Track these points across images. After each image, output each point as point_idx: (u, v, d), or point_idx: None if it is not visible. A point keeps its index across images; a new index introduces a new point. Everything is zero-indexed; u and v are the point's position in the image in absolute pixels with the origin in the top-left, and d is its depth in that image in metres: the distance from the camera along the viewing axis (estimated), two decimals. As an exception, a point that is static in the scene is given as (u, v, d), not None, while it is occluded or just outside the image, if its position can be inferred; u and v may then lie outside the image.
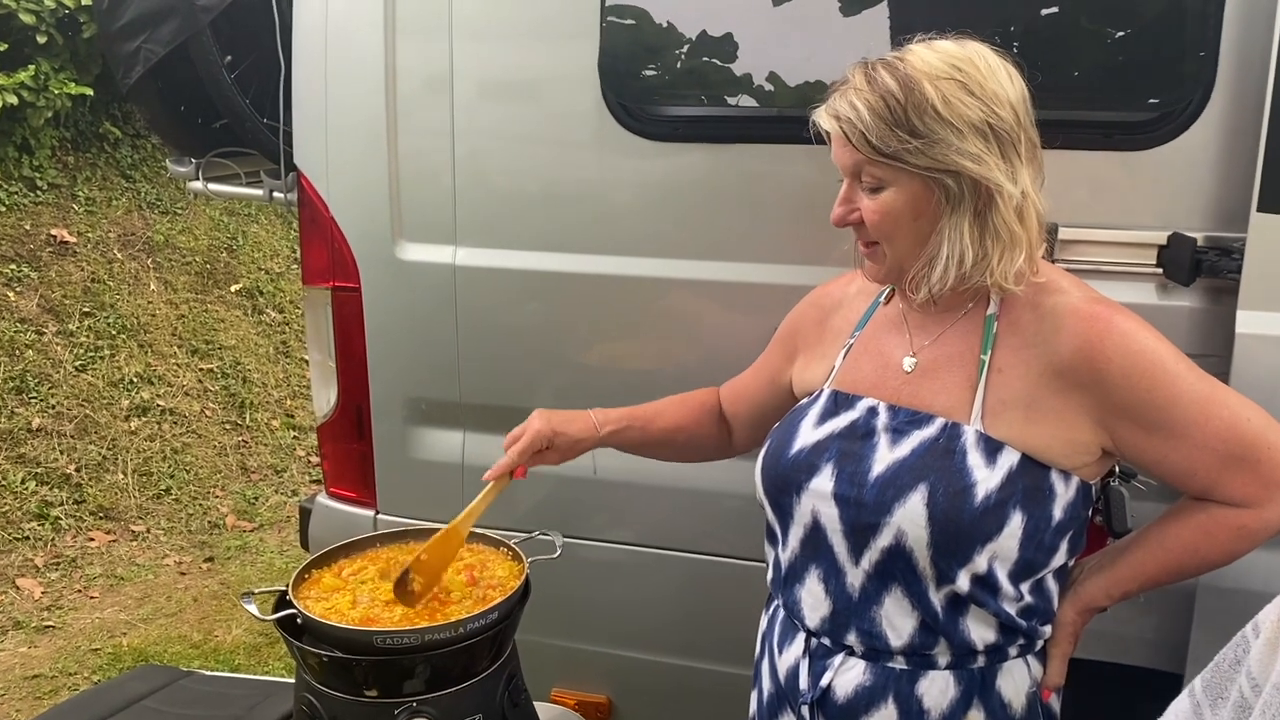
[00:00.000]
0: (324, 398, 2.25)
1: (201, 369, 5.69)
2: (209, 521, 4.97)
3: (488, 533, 1.66)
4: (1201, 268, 1.62)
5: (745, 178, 1.88)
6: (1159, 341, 1.30)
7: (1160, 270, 1.67)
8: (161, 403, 5.37)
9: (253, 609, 1.45)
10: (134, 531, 4.76)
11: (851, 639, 1.39)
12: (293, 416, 5.89)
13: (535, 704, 1.61)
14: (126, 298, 5.58)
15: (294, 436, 5.77)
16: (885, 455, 1.35)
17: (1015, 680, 1.38)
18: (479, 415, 2.15)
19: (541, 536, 1.68)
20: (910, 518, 1.30)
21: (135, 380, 5.35)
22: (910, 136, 1.26)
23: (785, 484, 1.42)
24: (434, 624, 1.41)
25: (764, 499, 1.48)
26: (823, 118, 1.34)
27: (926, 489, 1.29)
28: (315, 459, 5.31)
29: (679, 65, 1.90)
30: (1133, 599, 1.42)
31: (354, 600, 1.50)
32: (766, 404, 1.66)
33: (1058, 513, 1.32)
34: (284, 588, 1.51)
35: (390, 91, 2.05)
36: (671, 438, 1.70)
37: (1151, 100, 1.67)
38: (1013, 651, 1.37)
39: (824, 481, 1.38)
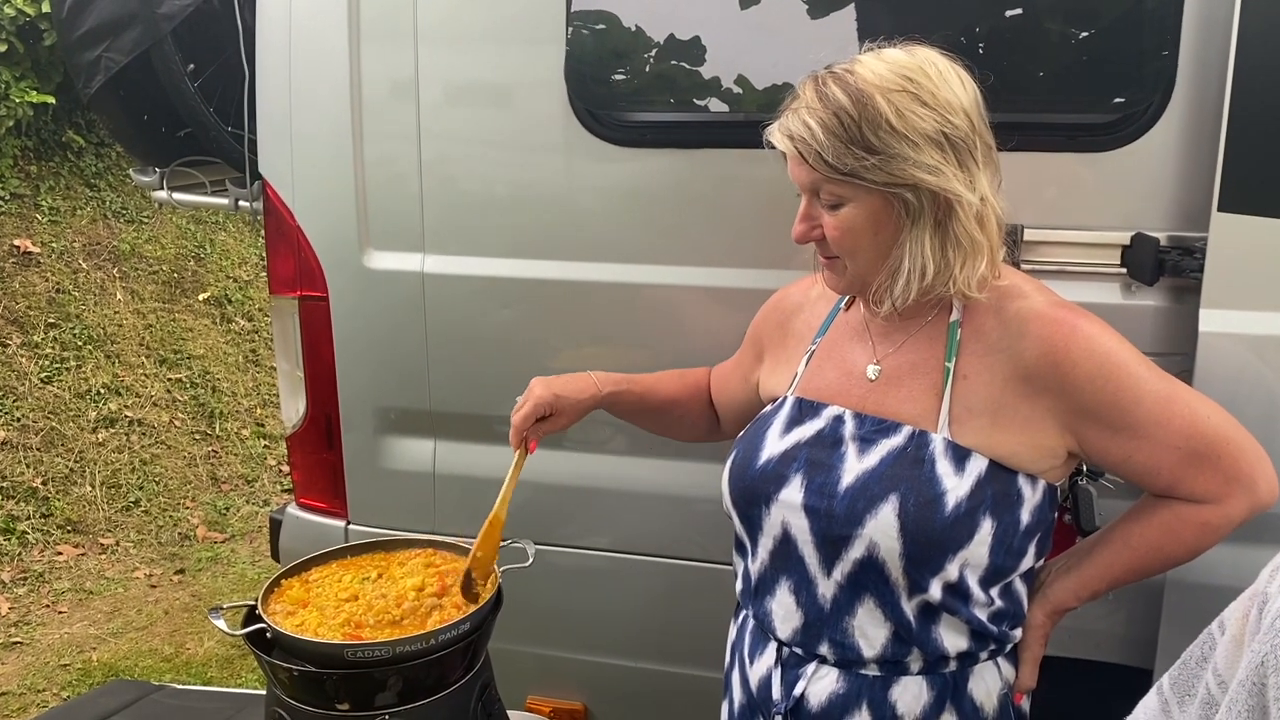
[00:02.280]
0: (293, 408, 2.23)
1: (170, 379, 5.63)
2: (179, 533, 4.91)
3: (459, 543, 1.65)
4: (1165, 267, 1.64)
5: (713, 182, 1.88)
6: (1121, 344, 1.31)
7: (1124, 270, 1.68)
8: (129, 413, 5.31)
9: (221, 624, 1.43)
10: (103, 544, 4.70)
11: (824, 649, 1.39)
12: (263, 425, 5.83)
13: (510, 712, 1.61)
14: (92, 308, 5.51)
15: (265, 446, 5.72)
16: (854, 465, 1.34)
17: (987, 683, 1.38)
18: (449, 423, 2.14)
19: (514, 544, 1.67)
20: (882, 529, 1.30)
21: (102, 391, 5.28)
22: (866, 153, 1.25)
23: (754, 495, 1.42)
24: (405, 636, 1.40)
25: (732, 510, 1.48)
26: (776, 136, 1.33)
27: (897, 499, 1.29)
28: (287, 468, 5.26)
29: (645, 70, 1.90)
30: (1101, 597, 1.43)
31: (320, 611, 1.48)
32: (741, 399, 1.67)
33: (1026, 516, 1.33)
34: (253, 602, 1.49)
35: (355, 98, 2.03)
36: (668, 409, 1.71)
37: (1114, 102, 1.68)
38: (984, 655, 1.38)
39: (793, 493, 1.37)
